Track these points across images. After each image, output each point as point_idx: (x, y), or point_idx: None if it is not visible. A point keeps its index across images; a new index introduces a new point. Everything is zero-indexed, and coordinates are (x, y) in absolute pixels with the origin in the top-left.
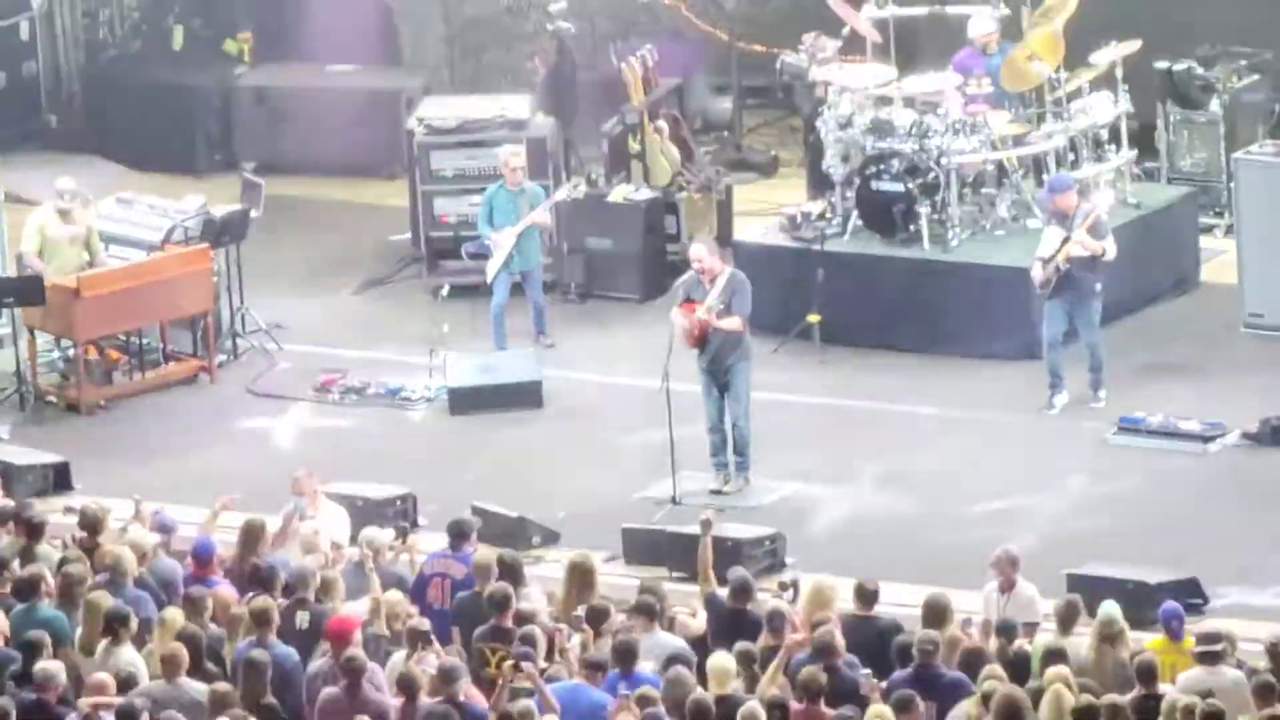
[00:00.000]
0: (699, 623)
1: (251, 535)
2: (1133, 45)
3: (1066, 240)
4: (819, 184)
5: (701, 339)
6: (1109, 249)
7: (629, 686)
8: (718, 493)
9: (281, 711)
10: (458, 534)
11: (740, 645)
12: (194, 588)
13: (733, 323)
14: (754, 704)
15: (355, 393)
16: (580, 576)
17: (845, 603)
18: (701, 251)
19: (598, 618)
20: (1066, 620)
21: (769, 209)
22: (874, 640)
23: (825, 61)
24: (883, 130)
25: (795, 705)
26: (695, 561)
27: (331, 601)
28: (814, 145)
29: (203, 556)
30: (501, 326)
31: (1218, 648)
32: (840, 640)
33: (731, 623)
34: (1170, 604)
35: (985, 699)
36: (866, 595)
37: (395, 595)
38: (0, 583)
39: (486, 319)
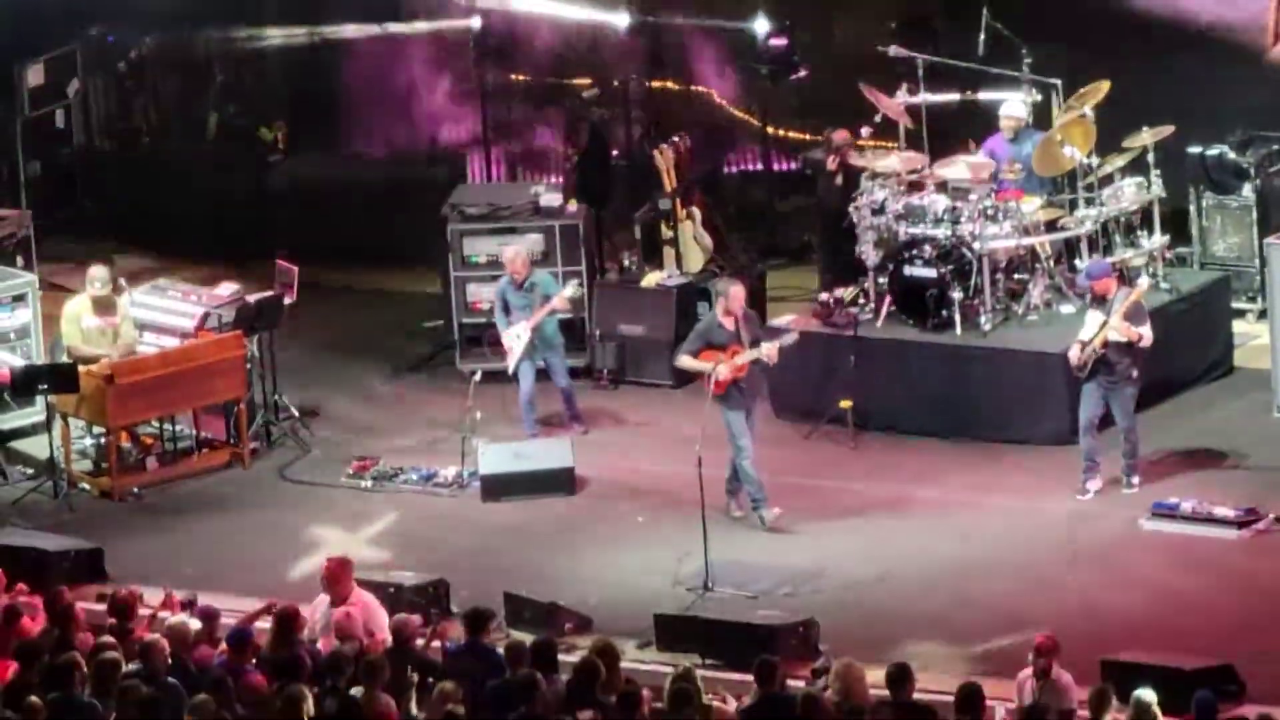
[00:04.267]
0: (732, 709)
1: (285, 623)
2: (1165, 130)
3: (1104, 325)
4: (833, 271)
5: (734, 380)
6: (1146, 335)
7: None
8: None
9: None
10: (477, 624)
11: None
12: (226, 676)
13: (793, 340)
14: None
15: (387, 479)
16: (606, 662)
17: (878, 688)
18: (743, 293)
19: (629, 704)
20: (1098, 708)
21: (802, 294)
22: None
23: (842, 151)
24: (915, 216)
25: None
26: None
27: (374, 686)
28: (828, 237)
29: (240, 644)
30: (532, 413)
31: None
32: None
33: (765, 707)
34: (1203, 692)
35: None
36: (901, 679)
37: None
38: (32, 672)
39: (518, 405)
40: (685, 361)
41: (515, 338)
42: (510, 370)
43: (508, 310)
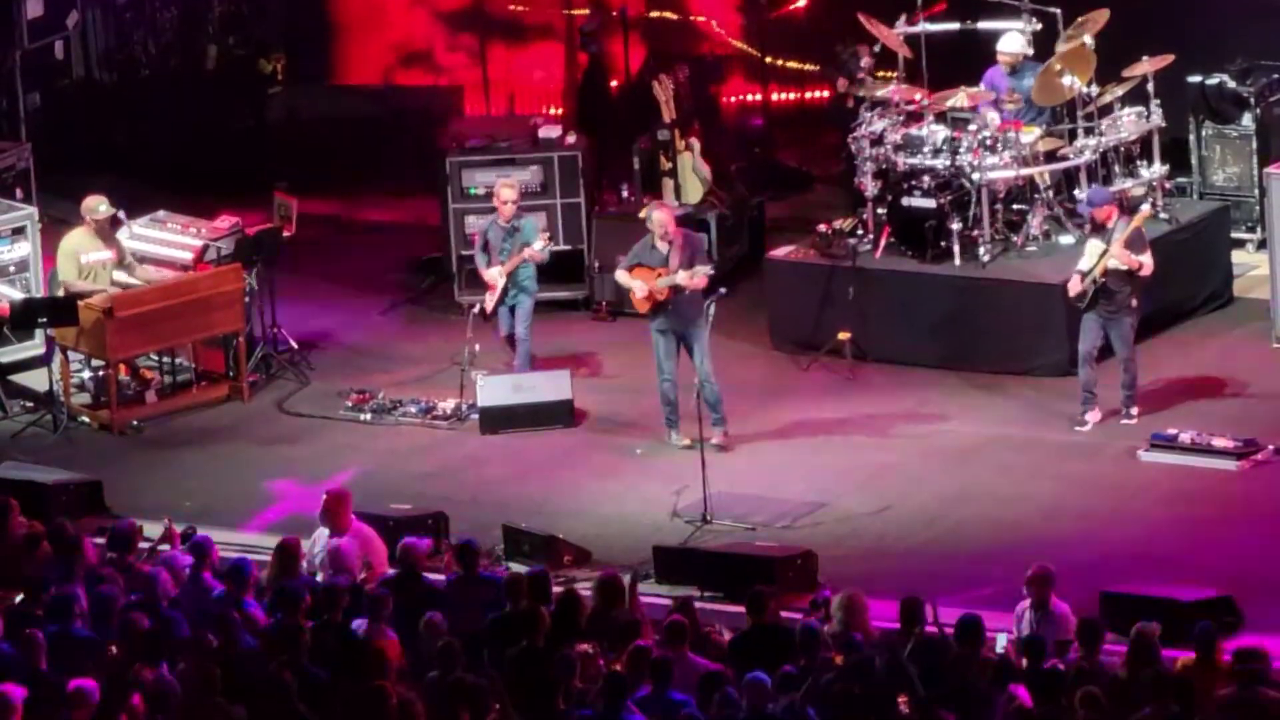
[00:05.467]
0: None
1: (285, 556)
2: (1165, 60)
3: (1104, 253)
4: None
5: (657, 302)
6: (1146, 264)
7: (661, 708)
8: (689, 447)
9: None
10: (467, 557)
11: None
12: (226, 609)
13: (706, 273)
14: None
15: (386, 412)
16: (609, 594)
17: (879, 619)
18: (669, 218)
19: (627, 634)
20: (1088, 642)
21: (800, 225)
22: (918, 657)
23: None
24: (914, 146)
25: None
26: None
27: (378, 621)
28: (846, 161)
29: (239, 577)
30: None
31: (1256, 667)
32: (875, 662)
33: (757, 638)
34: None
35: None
36: (912, 611)
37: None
38: (36, 604)
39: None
40: (618, 275)
41: (499, 274)
42: (488, 311)
43: (487, 249)
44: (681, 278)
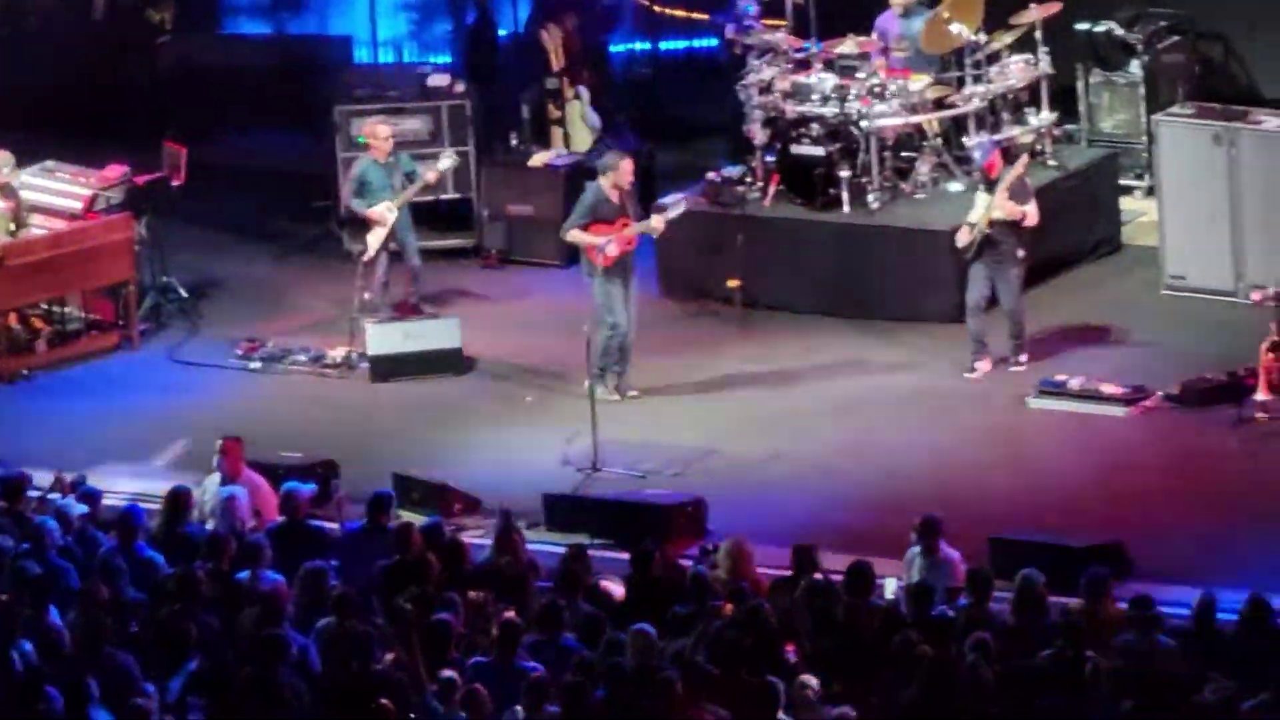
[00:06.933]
0: (619, 593)
1: (176, 504)
2: (1053, 7)
3: (989, 204)
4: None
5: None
6: (1030, 213)
7: (552, 654)
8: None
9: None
10: (378, 508)
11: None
12: (118, 558)
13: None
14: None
15: (276, 360)
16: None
17: (765, 567)
18: (631, 167)
19: (517, 584)
20: (977, 590)
21: (689, 173)
22: (807, 604)
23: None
24: (803, 94)
25: (715, 673)
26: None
27: (258, 568)
28: (735, 109)
29: (128, 524)
30: (386, 295)
31: (1151, 613)
32: (767, 609)
33: (646, 589)
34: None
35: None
36: (804, 558)
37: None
38: None
39: (407, 284)
40: (575, 235)
41: (389, 210)
42: (370, 254)
43: (364, 190)
44: (654, 222)
